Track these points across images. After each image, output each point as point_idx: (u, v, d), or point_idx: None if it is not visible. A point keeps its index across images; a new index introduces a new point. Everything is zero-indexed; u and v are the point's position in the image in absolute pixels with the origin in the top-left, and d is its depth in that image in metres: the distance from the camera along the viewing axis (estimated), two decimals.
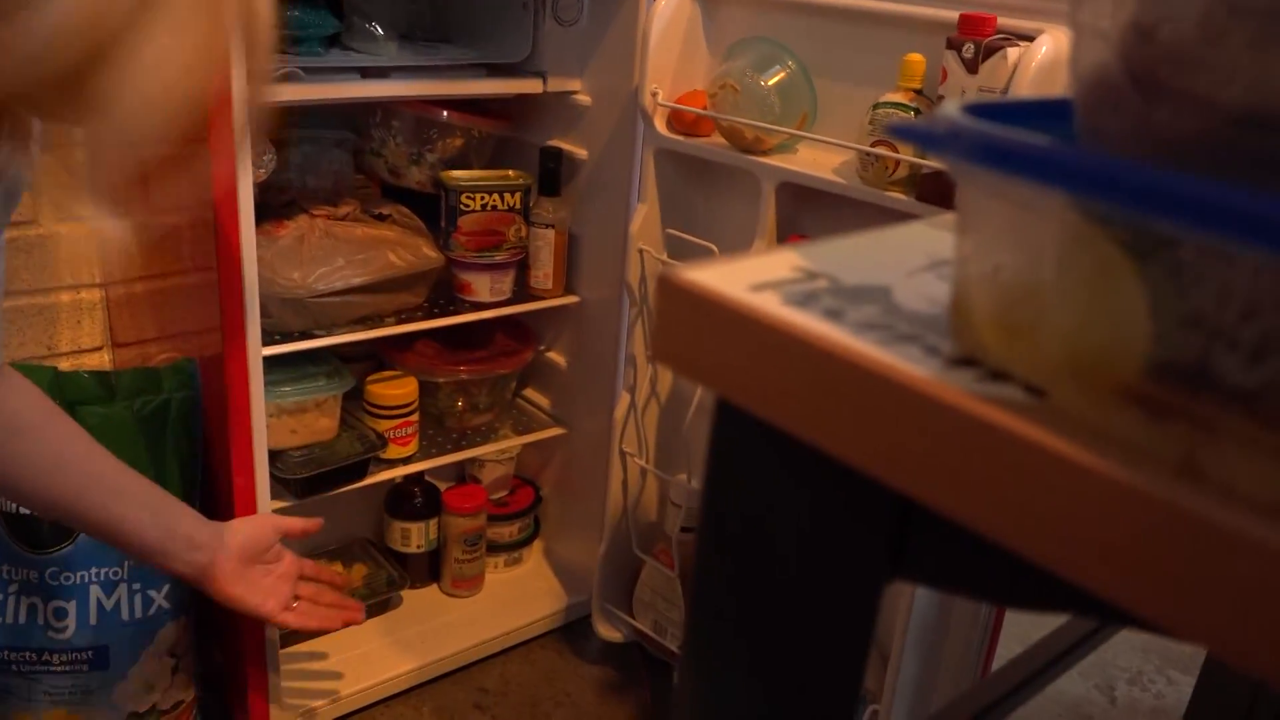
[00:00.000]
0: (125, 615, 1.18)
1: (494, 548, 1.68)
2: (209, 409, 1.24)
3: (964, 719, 0.91)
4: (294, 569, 1.10)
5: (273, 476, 1.26)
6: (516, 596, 1.65)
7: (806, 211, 1.24)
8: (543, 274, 1.47)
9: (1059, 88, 0.95)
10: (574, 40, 1.43)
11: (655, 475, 1.48)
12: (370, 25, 1.33)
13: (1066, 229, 0.28)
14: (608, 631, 1.56)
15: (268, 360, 1.19)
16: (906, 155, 1.04)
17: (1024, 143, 0.27)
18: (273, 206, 1.30)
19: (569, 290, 1.52)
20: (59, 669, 1.17)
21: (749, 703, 0.41)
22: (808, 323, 0.33)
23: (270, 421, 1.25)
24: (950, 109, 0.31)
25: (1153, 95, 0.28)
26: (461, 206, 1.38)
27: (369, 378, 1.43)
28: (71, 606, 1.15)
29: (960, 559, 0.34)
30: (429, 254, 1.37)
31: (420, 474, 1.56)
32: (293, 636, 1.46)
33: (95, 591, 1.16)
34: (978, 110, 0.31)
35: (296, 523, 1.12)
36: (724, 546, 0.40)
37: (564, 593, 1.67)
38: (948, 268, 0.40)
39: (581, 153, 1.47)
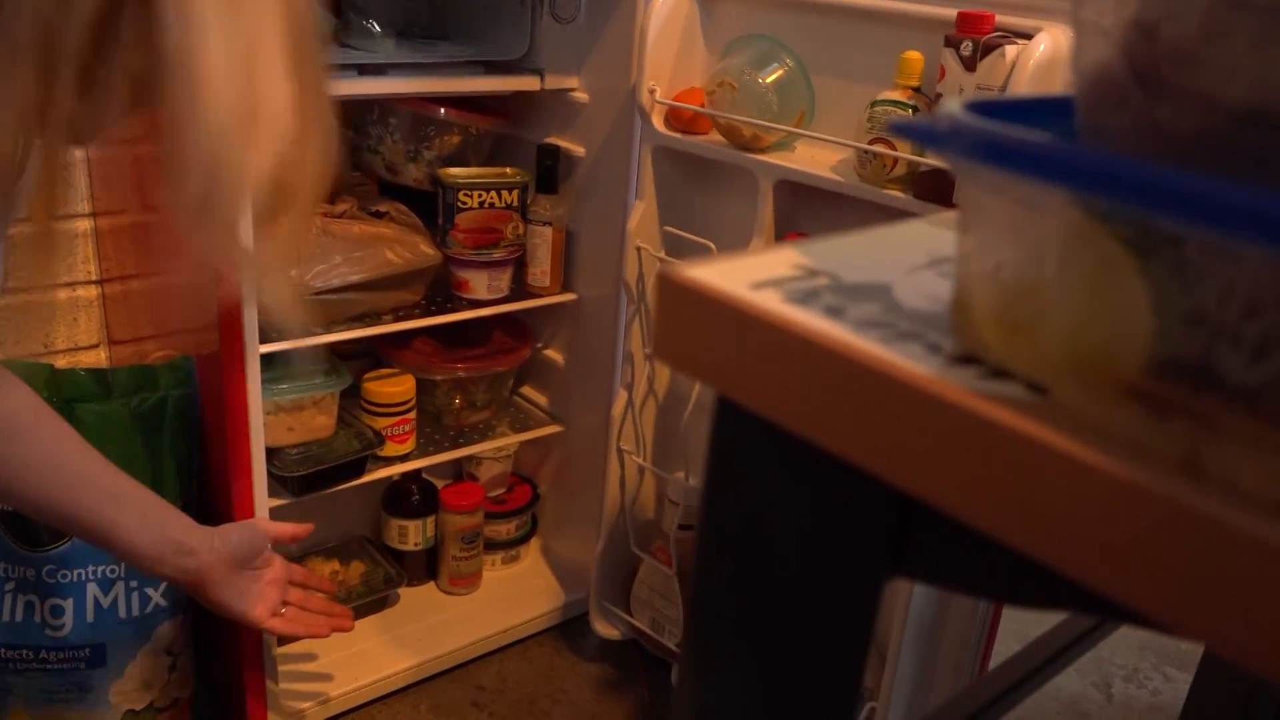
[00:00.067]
0: (122, 613, 1.18)
1: (491, 545, 1.68)
2: (206, 407, 1.24)
3: (962, 717, 0.91)
4: (283, 574, 1.10)
5: (270, 474, 1.25)
6: (514, 594, 1.65)
7: (804, 209, 1.24)
8: (540, 271, 1.47)
9: (1057, 85, 0.95)
10: (571, 37, 1.42)
11: (653, 473, 1.48)
12: (368, 22, 1.33)
13: (1068, 226, 0.28)
14: (605, 629, 1.56)
15: (265, 358, 1.18)
16: (904, 153, 1.04)
17: (1026, 140, 0.27)
18: None
19: (566, 288, 1.52)
20: (56, 667, 1.16)
21: (749, 701, 0.41)
22: (809, 320, 0.33)
23: (267, 419, 1.25)
24: (952, 106, 0.31)
25: (1155, 92, 0.28)
26: (459, 204, 1.38)
27: (366, 375, 1.43)
28: (68, 604, 1.15)
29: (961, 556, 0.34)
30: (426, 251, 1.37)
31: (418, 471, 1.56)
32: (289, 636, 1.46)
33: (92, 589, 1.16)
34: (979, 108, 0.31)
35: (287, 528, 1.12)
36: (724, 544, 0.40)
37: (561, 590, 1.67)
38: (948, 265, 0.40)
39: (579, 150, 1.47)
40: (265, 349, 1.18)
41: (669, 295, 0.37)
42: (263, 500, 1.22)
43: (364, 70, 1.27)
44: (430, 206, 1.42)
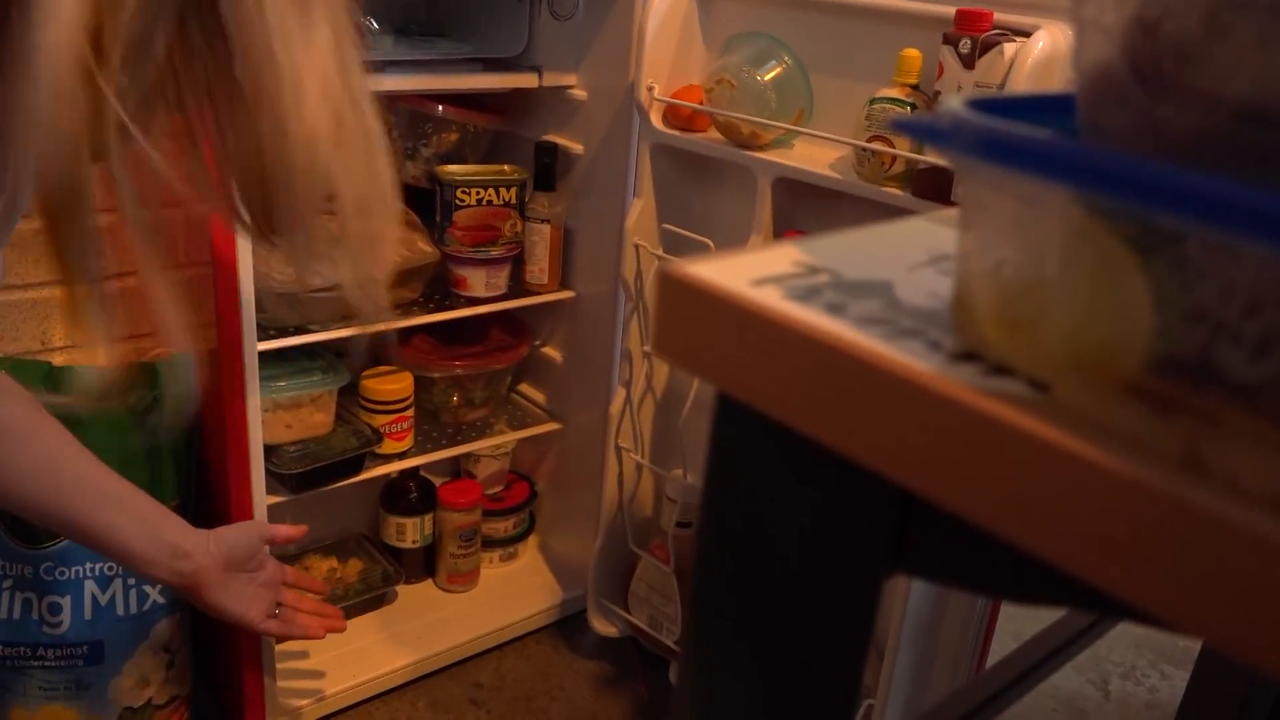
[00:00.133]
0: (120, 610, 1.18)
1: (489, 543, 1.68)
2: (204, 404, 1.24)
3: (959, 714, 0.92)
4: (277, 576, 1.10)
5: (268, 471, 1.25)
6: (512, 591, 1.65)
7: (802, 207, 1.24)
8: (538, 269, 1.47)
9: (1055, 83, 0.95)
10: (570, 35, 1.42)
11: (651, 470, 1.48)
12: (365, 20, 1.33)
13: (1070, 224, 0.28)
14: (603, 626, 1.56)
15: (263, 355, 1.18)
16: (903, 151, 1.04)
17: (1028, 137, 0.27)
18: None
19: (564, 285, 1.52)
20: (54, 664, 1.16)
21: (749, 698, 0.41)
22: (810, 317, 0.33)
23: (265, 416, 1.25)
24: (954, 103, 0.31)
25: (1156, 90, 0.28)
26: (457, 201, 1.38)
27: (364, 373, 1.43)
28: (66, 601, 1.15)
29: (962, 553, 0.34)
30: (424, 249, 1.37)
31: (415, 469, 1.56)
32: None
33: (90, 586, 1.16)
34: (980, 105, 0.31)
35: (281, 529, 1.13)
36: (724, 542, 0.40)
37: (559, 588, 1.67)
38: (948, 262, 0.40)
39: (577, 147, 1.47)
40: (263, 346, 1.18)
41: (669, 292, 0.37)
42: (261, 497, 1.22)
43: None
44: (428, 204, 1.42)
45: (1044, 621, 1.01)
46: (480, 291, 1.44)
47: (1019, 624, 1.28)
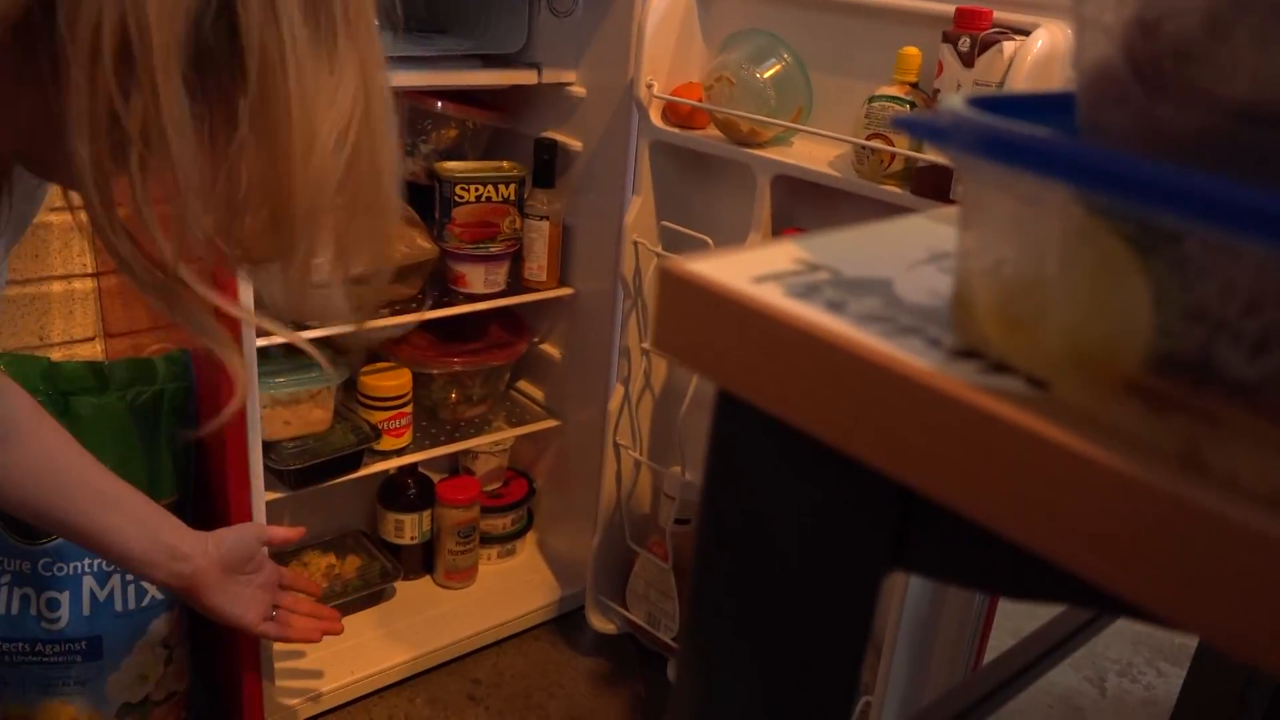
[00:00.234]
0: (118, 606, 1.18)
1: (487, 539, 1.68)
2: (202, 400, 1.24)
3: (956, 711, 0.92)
4: (274, 578, 1.10)
5: (266, 468, 1.25)
6: (510, 588, 1.65)
7: (802, 204, 1.24)
8: (537, 266, 1.47)
9: (1055, 81, 0.95)
10: (569, 31, 1.42)
11: (649, 467, 1.48)
12: None
13: (1070, 222, 0.28)
14: (601, 623, 1.56)
15: (261, 351, 1.18)
16: (902, 149, 1.04)
17: (1028, 136, 0.27)
18: None
19: (563, 282, 1.52)
20: (52, 660, 1.16)
21: (748, 695, 0.41)
22: (810, 315, 0.33)
23: (264, 413, 1.25)
24: (954, 102, 0.31)
25: (1156, 90, 0.28)
26: (456, 198, 1.38)
27: (363, 369, 1.43)
28: (65, 597, 1.15)
29: (961, 550, 0.34)
30: (423, 245, 1.37)
31: (414, 466, 1.56)
32: None
33: (88, 582, 1.16)
34: (981, 103, 0.31)
35: (279, 531, 1.13)
36: (724, 538, 0.40)
37: (557, 585, 1.67)
38: (948, 260, 0.40)
39: (576, 144, 1.47)
40: (262, 343, 1.18)
41: (670, 289, 0.37)
42: (259, 494, 1.22)
43: None
44: (427, 200, 1.42)
45: (1041, 618, 1.01)
46: (479, 288, 1.44)
47: (1016, 621, 1.28)
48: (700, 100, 1.24)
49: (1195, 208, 0.23)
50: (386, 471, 1.50)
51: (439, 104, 1.42)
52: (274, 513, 1.28)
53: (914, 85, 1.06)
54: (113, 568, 1.17)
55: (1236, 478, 0.25)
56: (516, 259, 1.47)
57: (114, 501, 0.92)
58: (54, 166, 0.55)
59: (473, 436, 1.54)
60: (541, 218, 1.44)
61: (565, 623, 1.64)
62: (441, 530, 1.60)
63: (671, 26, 1.27)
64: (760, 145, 1.21)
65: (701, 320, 0.36)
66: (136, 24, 0.44)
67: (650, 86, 1.27)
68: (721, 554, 0.40)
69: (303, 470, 1.31)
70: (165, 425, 1.20)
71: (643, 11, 1.25)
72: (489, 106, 1.49)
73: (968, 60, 0.99)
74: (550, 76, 1.42)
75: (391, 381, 1.41)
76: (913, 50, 1.05)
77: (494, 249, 1.43)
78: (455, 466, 1.71)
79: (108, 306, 1.47)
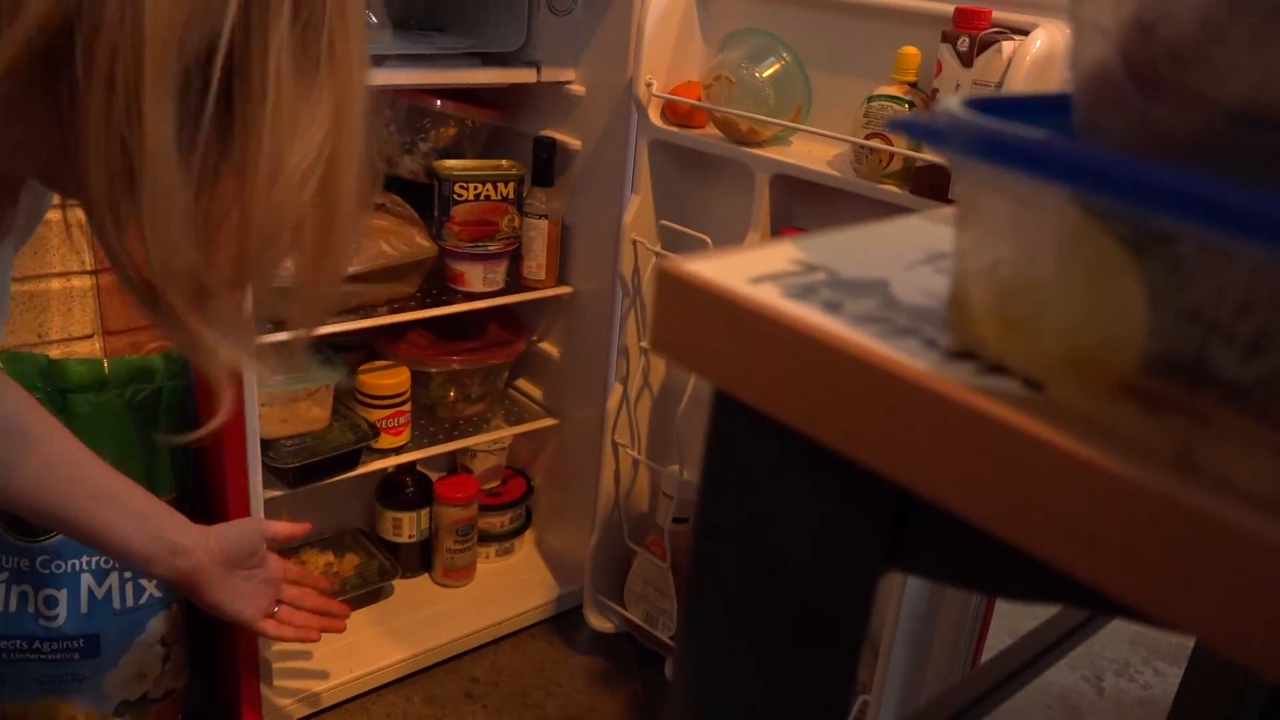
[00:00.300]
0: (116, 604, 1.18)
1: (485, 538, 1.68)
2: (201, 398, 1.24)
3: (954, 710, 0.92)
4: (278, 574, 1.09)
5: (265, 466, 1.26)
6: (508, 587, 1.65)
7: (800, 204, 1.24)
8: (536, 264, 1.47)
9: (1053, 82, 0.95)
10: (568, 30, 1.42)
11: (647, 466, 1.48)
12: (364, 13, 1.33)
13: (1066, 223, 0.28)
14: (599, 622, 1.56)
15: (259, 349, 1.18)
16: (900, 149, 1.04)
17: (1024, 137, 0.27)
18: None
19: (562, 281, 1.52)
20: (49, 657, 1.16)
21: (744, 695, 0.41)
22: (807, 315, 0.33)
23: (262, 411, 1.25)
24: (951, 103, 0.31)
25: (1152, 91, 0.29)
26: (455, 196, 1.38)
27: (361, 367, 1.43)
28: (62, 595, 1.15)
29: (957, 550, 0.34)
30: (422, 243, 1.37)
31: (412, 464, 1.56)
32: None
33: (86, 580, 1.16)
34: (978, 105, 0.31)
35: (283, 527, 1.12)
36: (720, 537, 0.40)
37: (555, 583, 1.67)
38: (945, 261, 0.40)
39: (575, 143, 1.47)
40: (260, 340, 1.18)
41: (667, 289, 0.37)
42: (258, 492, 1.22)
43: None
44: (426, 198, 1.42)
45: (1038, 618, 1.01)
46: (477, 286, 1.44)
47: (1013, 620, 1.29)
48: (699, 99, 1.24)
49: (1189, 209, 0.23)
50: (385, 470, 1.50)
51: (438, 102, 1.42)
52: (272, 511, 1.28)
53: (913, 85, 1.06)
54: (111, 565, 1.17)
55: (1230, 479, 0.25)
56: (515, 257, 1.48)
57: (111, 497, 0.92)
58: (69, 187, 0.55)
59: (471, 435, 1.54)
60: (540, 216, 1.44)
61: (563, 621, 1.64)
62: (440, 528, 1.61)
63: (671, 25, 1.27)
64: (759, 144, 1.21)
65: (698, 321, 0.36)
66: (135, 51, 0.45)
67: (649, 85, 1.27)
68: (718, 554, 0.40)
69: (301, 468, 1.31)
70: (164, 423, 1.20)
71: (642, 10, 1.25)
72: (488, 105, 1.49)
73: (967, 60, 0.99)
74: (549, 75, 1.43)
75: (390, 380, 1.41)
76: (912, 50, 1.05)
77: (493, 247, 1.43)
78: (453, 465, 1.71)
79: (106, 304, 1.47)
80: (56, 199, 0.71)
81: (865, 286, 0.37)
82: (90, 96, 0.46)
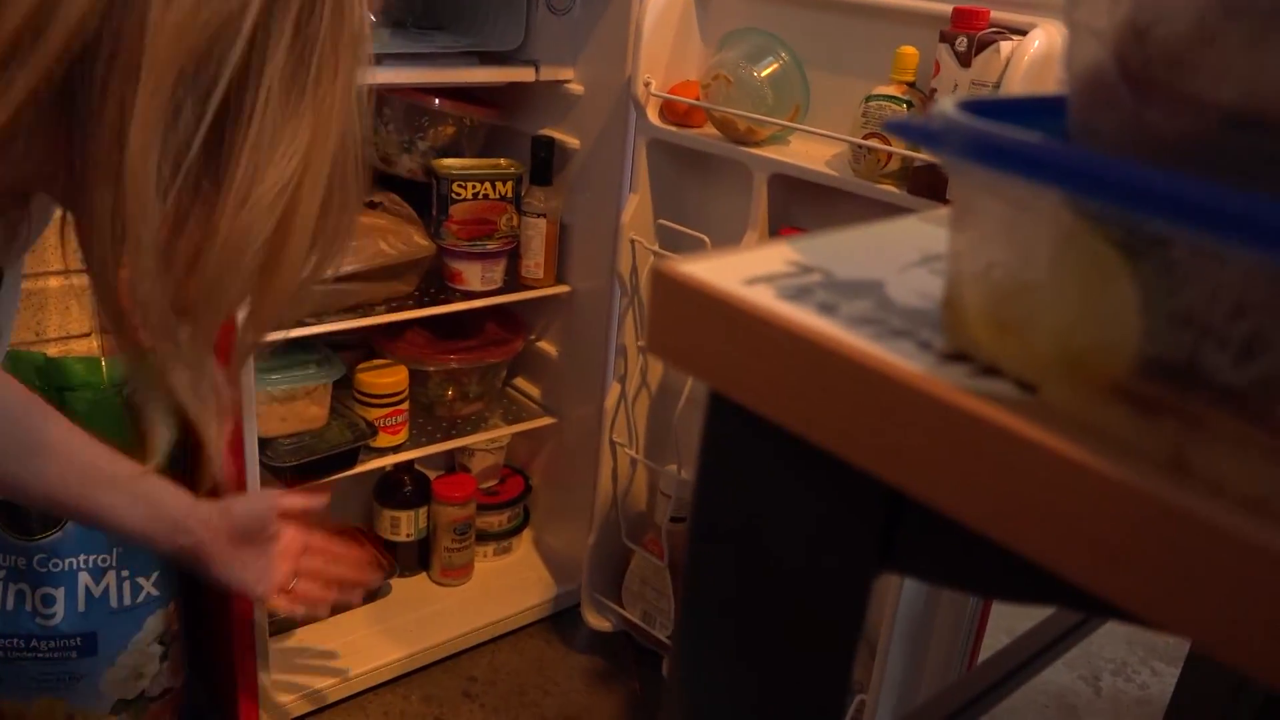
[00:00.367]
0: (114, 602, 1.18)
1: (483, 537, 1.68)
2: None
3: (951, 710, 0.92)
4: (295, 546, 1.05)
5: (262, 464, 1.25)
6: (506, 585, 1.65)
7: (798, 203, 1.24)
8: (534, 263, 1.47)
9: (1051, 82, 0.95)
10: (567, 29, 1.42)
11: (645, 465, 1.48)
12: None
13: (1059, 227, 0.28)
14: (597, 621, 1.56)
15: None
16: (898, 148, 1.04)
17: (1019, 140, 0.27)
18: None
19: (560, 280, 1.52)
20: (47, 656, 1.16)
21: (739, 693, 0.41)
22: (802, 317, 0.33)
23: (260, 409, 1.25)
24: (946, 105, 0.31)
25: (1146, 94, 0.29)
26: (453, 195, 1.38)
27: (359, 366, 1.43)
28: (60, 593, 1.15)
29: (950, 552, 0.34)
30: (420, 242, 1.37)
31: (410, 462, 1.56)
32: (283, 623, 1.46)
33: (84, 578, 1.16)
34: (973, 107, 0.31)
35: (297, 500, 1.08)
36: (715, 538, 0.40)
37: (553, 582, 1.67)
38: (940, 263, 0.40)
39: (574, 142, 1.47)
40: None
41: (663, 290, 0.37)
42: (255, 490, 1.22)
43: None
44: (424, 197, 1.42)
45: (1036, 617, 1.01)
46: (476, 285, 1.44)
47: (1011, 620, 1.29)
48: (697, 99, 1.24)
49: (1181, 213, 0.24)
50: (382, 468, 1.50)
51: (436, 101, 1.42)
52: None
53: (911, 85, 1.06)
54: (108, 564, 1.17)
55: (1223, 482, 0.25)
56: (513, 256, 1.48)
57: (110, 478, 0.92)
58: (74, 205, 0.55)
59: (469, 434, 1.54)
60: (539, 215, 1.44)
61: (561, 620, 1.64)
62: (437, 527, 1.61)
63: (669, 25, 1.27)
64: (757, 144, 1.21)
65: (694, 322, 0.36)
66: (136, 76, 0.45)
67: (648, 84, 1.27)
68: (713, 554, 0.41)
69: (298, 467, 1.31)
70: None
71: (640, 9, 1.25)
72: (486, 104, 1.49)
73: (965, 60, 0.99)
74: (548, 74, 1.42)
75: (388, 378, 1.41)
76: (910, 50, 1.05)
77: (491, 246, 1.43)
78: (451, 464, 1.71)
79: None
80: None
81: (860, 288, 0.37)
82: (97, 121, 0.46)
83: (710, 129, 1.26)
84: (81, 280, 1.35)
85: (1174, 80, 0.28)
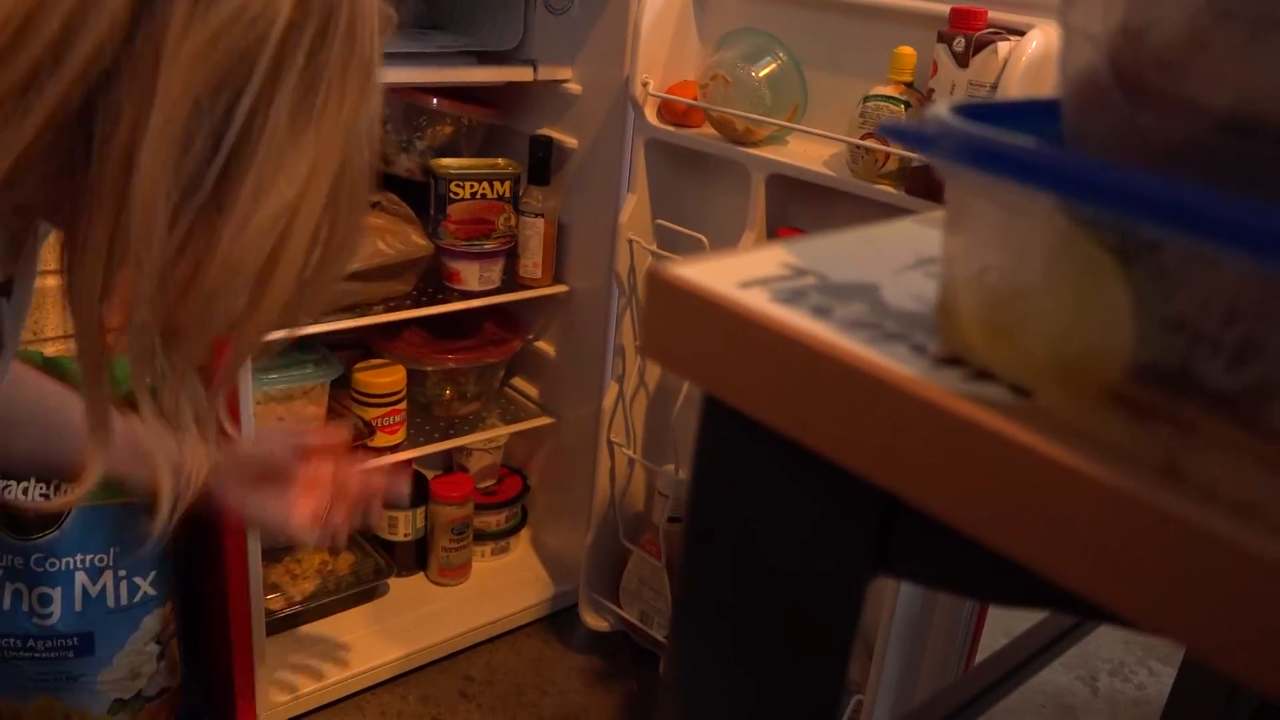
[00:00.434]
0: (111, 602, 1.18)
1: (481, 536, 1.68)
2: None
3: (948, 711, 0.92)
4: (320, 479, 0.99)
5: None
6: (503, 585, 1.65)
7: (796, 203, 1.24)
8: (532, 263, 1.47)
9: (1049, 82, 0.95)
10: (565, 28, 1.42)
11: (643, 465, 1.48)
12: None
13: (1053, 231, 0.28)
14: (594, 621, 1.56)
15: None
16: (896, 149, 1.04)
17: (1012, 145, 0.27)
18: None
19: (558, 280, 1.52)
20: (44, 655, 1.16)
21: (734, 695, 0.41)
22: (795, 320, 0.33)
23: (257, 409, 1.25)
24: (940, 109, 0.31)
25: (1139, 99, 0.29)
26: (451, 194, 1.38)
27: (357, 366, 1.42)
28: (57, 593, 1.15)
29: (944, 556, 0.34)
30: (418, 242, 1.37)
31: (408, 462, 1.56)
32: (280, 622, 1.46)
33: (81, 578, 1.16)
34: (967, 111, 0.31)
35: (317, 435, 1.01)
36: (710, 541, 0.40)
37: (551, 582, 1.67)
38: (935, 265, 0.40)
39: (572, 142, 1.47)
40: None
41: (657, 293, 0.37)
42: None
43: None
44: (422, 197, 1.42)
45: (1033, 618, 1.01)
46: (473, 285, 1.44)
47: (1009, 620, 1.29)
48: (695, 98, 1.24)
49: (1173, 218, 0.23)
50: (380, 468, 1.50)
51: (434, 100, 1.42)
52: None
53: (909, 85, 1.06)
54: (105, 564, 1.17)
55: (1215, 487, 0.25)
56: (511, 256, 1.47)
57: (126, 443, 0.91)
58: (73, 226, 0.56)
59: (467, 433, 1.54)
60: (536, 215, 1.44)
61: (558, 620, 1.64)
62: (435, 527, 1.60)
63: (667, 24, 1.27)
64: (755, 144, 1.21)
65: (688, 325, 0.36)
66: (149, 106, 0.46)
67: (645, 84, 1.27)
68: (708, 557, 0.40)
69: None
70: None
71: (638, 9, 1.25)
72: (485, 103, 1.48)
73: (962, 60, 0.99)
74: (546, 74, 1.42)
75: (385, 378, 1.41)
76: (908, 50, 1.05)
77: (489, 246, 1.42)
78: (449, 463, 1.71)
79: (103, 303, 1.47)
80: None
81: (855, 291, 0.37)
82: (108, 146, 0.47)
83: (708, 129, 1.26)
84: None
85: (1168, 84, 0.28)
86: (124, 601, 1.19)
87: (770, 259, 0.39)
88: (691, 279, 0.36)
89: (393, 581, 1.61)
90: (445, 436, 1.51)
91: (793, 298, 0.35)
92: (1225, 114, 0.26)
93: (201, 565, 1.30)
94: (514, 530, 1.72)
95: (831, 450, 0.33)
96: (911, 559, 0.35)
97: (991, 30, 0.98)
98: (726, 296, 0.35)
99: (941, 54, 1.00)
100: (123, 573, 1.19)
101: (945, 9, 1.01)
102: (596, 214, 1.44)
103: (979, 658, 1.18)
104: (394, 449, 1.45)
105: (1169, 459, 0.26)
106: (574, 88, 1.45)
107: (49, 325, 1.44)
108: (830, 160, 1.15)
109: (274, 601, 1.43)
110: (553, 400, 1.64)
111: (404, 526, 1.59)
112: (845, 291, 0.37)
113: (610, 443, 1.46)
